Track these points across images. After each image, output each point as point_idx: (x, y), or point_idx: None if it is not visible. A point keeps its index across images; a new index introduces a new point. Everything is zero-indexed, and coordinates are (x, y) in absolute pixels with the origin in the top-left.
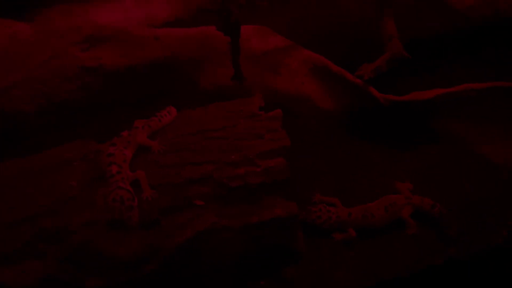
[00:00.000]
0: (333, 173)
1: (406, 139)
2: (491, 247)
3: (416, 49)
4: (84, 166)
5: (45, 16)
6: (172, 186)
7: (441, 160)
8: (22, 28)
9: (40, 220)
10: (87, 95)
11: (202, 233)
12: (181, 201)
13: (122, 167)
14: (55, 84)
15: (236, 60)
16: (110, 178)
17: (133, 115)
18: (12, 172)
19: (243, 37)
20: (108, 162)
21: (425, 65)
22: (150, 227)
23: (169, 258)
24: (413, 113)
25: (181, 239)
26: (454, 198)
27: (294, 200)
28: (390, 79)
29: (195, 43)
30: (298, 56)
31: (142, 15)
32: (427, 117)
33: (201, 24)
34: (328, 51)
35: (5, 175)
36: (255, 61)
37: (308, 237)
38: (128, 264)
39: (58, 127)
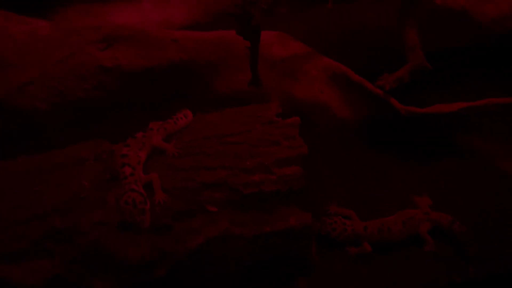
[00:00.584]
0: (350, 184)
1: (426, 153)
2: None
3: (438, 61)
4: (97, 166)
5: (64, 15)
6: (186, 190)
7: (461, 175)
8: (41, 25)
9: (50, 219)
10: (102, 95)
11: (214, 240)
12: (194, 206)
13: (136, 169)
14: (71, 83)
15: (254, 65)
16: (123, 180)
17: (148, 116)
18: (24, 169)
19: (262, 43)
20: (121, 163)
21: (447, 77)
22: (162, 231)
23: (179, 263)
24: (434, 126)
25: (192, 245)
26: (474, 214)
27: (308, 210)
28: (410, 90)
29: (213, 46)
30: (317, 63)
31: (160, 17)
32: (448, 130)
33: (219, 28)
34: (346, 59)
35: (17, 171)
36: (273, 66)
37: (321, 249)
38: (137, 267)
39: (72, 126)
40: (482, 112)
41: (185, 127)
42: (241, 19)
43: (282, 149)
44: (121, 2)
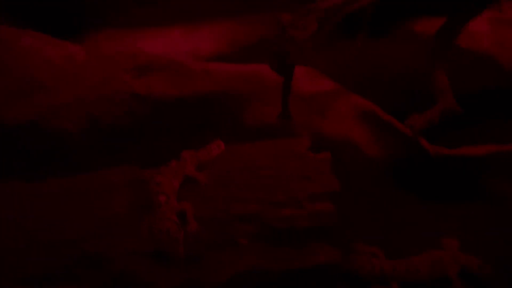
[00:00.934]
0: (377, 222)
1: (454, 194)
2: None
3: (467, 104)
4: (130, 192)
5: (94, 39)
6: (217, 221)
7: (490, 219)
8: (77, 50)
9: (81, 244)
10: (133, 121)
11: (243, 274)
12: (224, 237)
13: (170, 198)
14: (103, 108)
15: (285, 99)
16: (158, 208)
17: (177, 144)
18: (56, 190)
19: (293, 78)
20: (156, 191)
21: (476, 120)
22: (192, 262)
23: None
24: (463, 168)
25: (221, 278)
26: (503, 260)
27: (337, 247)
28: (438, 130)
29: (243, 79)
30: (346, 100)
31: (188, 47)
32: (476, 173)
33: (244, 60)
34: (373, 97)
35: (48, 193)
36: (303, 102)
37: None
38: None
39: (101, 150)
40: (510, 156)
41: (217, 158)
42: (277, 56)
43: (314, 185)
44: (150, 30)
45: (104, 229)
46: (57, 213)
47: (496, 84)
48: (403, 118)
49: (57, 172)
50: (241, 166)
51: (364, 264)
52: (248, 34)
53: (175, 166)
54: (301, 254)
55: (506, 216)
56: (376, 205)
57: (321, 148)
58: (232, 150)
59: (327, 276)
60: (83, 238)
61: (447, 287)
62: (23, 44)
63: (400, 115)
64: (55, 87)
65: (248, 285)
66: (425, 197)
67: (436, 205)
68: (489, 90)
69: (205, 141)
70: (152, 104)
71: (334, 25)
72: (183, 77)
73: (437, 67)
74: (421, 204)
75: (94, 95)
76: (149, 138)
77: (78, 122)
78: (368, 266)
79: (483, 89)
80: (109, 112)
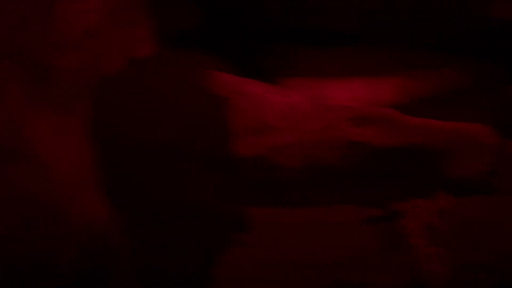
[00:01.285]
0: None
1: None
2: None
3: None
4: (372, 230)
5: (285, 86)
6: (461, 268)
7: None
8: (299, 99)
9: (335, 271)
10: (347, 165)
11: None
12: (468, 283)
13: (422, 241)
14: (321, 151)
15: (499, 158)
16: (413, 249)
17: (385, 189)
18: (301, 220)
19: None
20: (405, 234)
21: None
22: None
23: None
24: None
25: None
26: None
27: None
28: None
29: (448, 135)
30: None
31: (366, 96)
32: None
33: (417, 112)
34: None
35: (291, 223)
36: (507, 160)
37: None
38: None
39: (315, 187)
40: None
41: (446, 209)
42: (502, 120)
43: None
44: (333, 79)
45: (355, 260)
46: (310, 241)
47: None
48: None
49: (273, 202)
50: (473, 220)
51: None
52: (420, 88)
53: (417, 212)
54: None
55: None
56: None
57: None
58: (457, 202)
59: None
60: (336, 266)
61: None
62: (248, 90)
63: None
64: (280, 129)
65: None
66: None
67: None
68: None
69: (414, 188)
70: (365, 151)
71: None
72: (393, 129)
73: None
74: None
75: (314, 139)
76: (360, 181)
77: (298, 160)
78: None
79: None
80: (326, 155)
